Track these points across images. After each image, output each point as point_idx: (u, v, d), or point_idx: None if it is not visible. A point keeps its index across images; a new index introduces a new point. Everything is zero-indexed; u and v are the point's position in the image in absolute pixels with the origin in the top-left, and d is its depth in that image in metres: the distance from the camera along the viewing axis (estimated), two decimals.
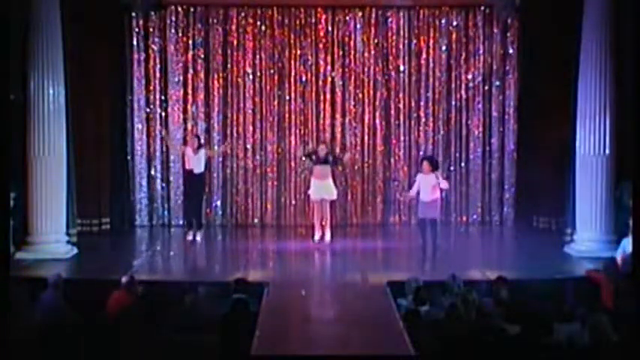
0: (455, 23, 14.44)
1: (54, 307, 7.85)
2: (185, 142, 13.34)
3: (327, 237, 12.43)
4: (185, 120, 14.36)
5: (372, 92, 14.50)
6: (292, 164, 14.50)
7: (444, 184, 11.97)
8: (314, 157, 12.55)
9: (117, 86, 14.00)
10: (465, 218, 14.67)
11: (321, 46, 14.39)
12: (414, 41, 14.43)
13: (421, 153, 14.40)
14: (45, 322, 7.22)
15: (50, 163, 11.41)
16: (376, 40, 14.42)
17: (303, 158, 13.07)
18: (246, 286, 8.50)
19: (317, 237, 12.51)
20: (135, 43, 14.17)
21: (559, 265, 10.94)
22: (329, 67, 14.42)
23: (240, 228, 14.31)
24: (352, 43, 14.41)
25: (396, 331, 7.62)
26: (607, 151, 11.39)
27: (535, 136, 13.88)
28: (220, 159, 14.38)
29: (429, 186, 11.69)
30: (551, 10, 13.07)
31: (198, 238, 12.43)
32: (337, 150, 14.25)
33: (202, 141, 13.07)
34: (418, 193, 11.83)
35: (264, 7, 14.29)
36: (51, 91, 11.34)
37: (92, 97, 13.37)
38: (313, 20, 14.37)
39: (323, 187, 12.43)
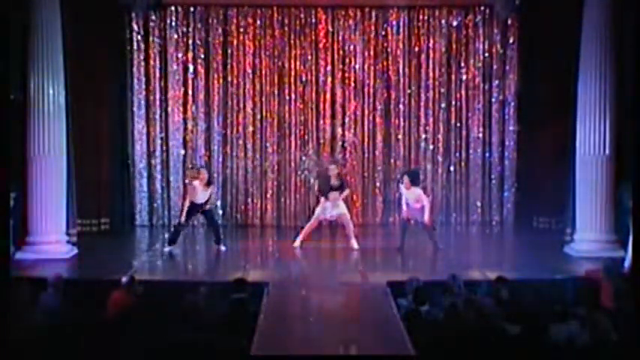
0: (455, 23, 14.45)
1: (54, 307, 7.84)
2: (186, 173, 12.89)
3: (355, 245, 12.33)
4: (185, 120, 14.38)
5: (372, 92, 14.52)
6: (292, 164, 14.52)
7: (427, 204, 11.87)
8: (326, 186, 12.31)
9: (117, 86, 14.00)
10: (465, 218, 14.68)
11: (321, 46, 14.40)
12: (414, 41, 14.44)
13: (421, 151, 14.50)
14: (45, 322, 7.22)
15: (50, 163, 11.41)
16: (376, 40, 14.43)
17: (316, 188, 12.87)
18: (246, 286, 8.49)
19: (298, 242, 12.39)
20: (135, 43, 14.18)
21: (559, 265, 10.93)
22: (329, 67, 14.43)
23: (240, 228, 14.32)
24: (352, 43, 14.42)
25: (396, 331, 7.62)
26: (607, 151, 11.39)
27: (535, 136, 13.88)
28: (220, 159, 14.41)
29: (412, 198, 11.84)
30: (551, 10, 13.07)
31: (223, 248, 12.19)
32: (337, 151, 14.31)
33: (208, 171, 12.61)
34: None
35: (264, 7, 14.30)
36: (51, 91, 11.33)
37: (92, 97, 13.38)
38: (313, 20, 14.38)
39: (333, 207, 12.31)
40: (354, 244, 12.21)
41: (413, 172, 12.81)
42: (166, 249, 12.07)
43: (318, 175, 12.94)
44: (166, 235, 12.80)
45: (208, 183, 12.12)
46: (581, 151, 11.57)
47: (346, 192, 12.51)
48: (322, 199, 12.32)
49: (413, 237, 12.33)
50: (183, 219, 12.03)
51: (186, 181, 13.28)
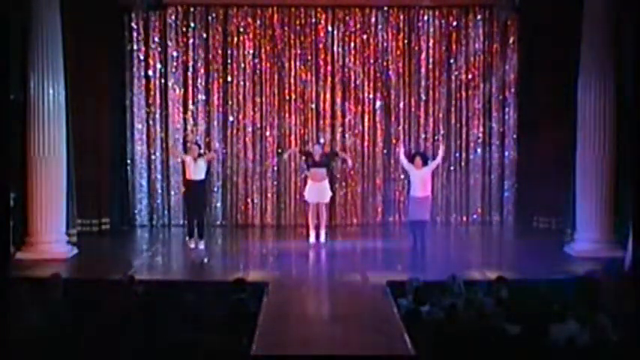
0: (455, 23, 14.45)
1: (54, 307, 7.84)
2: (185, 151, 12.99)
3: (322, 238, 12.37)
4: (185, 120, 14.38)
5: (372, 92, 14.52)
6: (292, 164, 14.51)
7: (438, 159, 12.03)
8: (309, 159, 12.45)
9: (117, 86, 14.00)
10: (465, 218, 14.68)
11: (321, 46, 14.40)
12: (414, 41, 14.44)
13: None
14: (45, 322, 7.21)
15: (50, 163, 11.40)
16: (376, 40, 14.43)
17: (303, 158, 12.96)
18: (246, 286, 8.49)
19: (312, 238, 12.43)
20: (135, 43, 14.18)
21: (559, 265, 10.94)
22: (329, 67, 14.43)
23: (240, 228, 14.32)
24: (352, 43, 14.42)
25: (396, 331, 7.62)
26: (607, 151, 11.39)
27: (535, 136, 13.88)
28: (220, 159, 14.41)
29: (420, 181, 11.75)
30: (551, 11, 13.07)
31: (202, 246, 12.19)
32: (337, 149, 14.33)
33: (202, 149, 12.73)
34: (409, 189, 11.94)
35: (264, 7, 14.30)
36: (51, 91, 11.33)
37: (92, 97, 13.37)
38: (313, 20, 14.38)
39: (318, 190, 12.37)
40: (323, 236, 12.21)
41: (421, 152, 12.90)
42: (191, 245, 12.08)
43: (302, 152, 12.95)
44: (166, 235, 12.82)
45: (200, 155, 12.10)
46: (581, 151, 11.57)
47: (328, 192, 12.45)
48: (308, 181, 12.32)
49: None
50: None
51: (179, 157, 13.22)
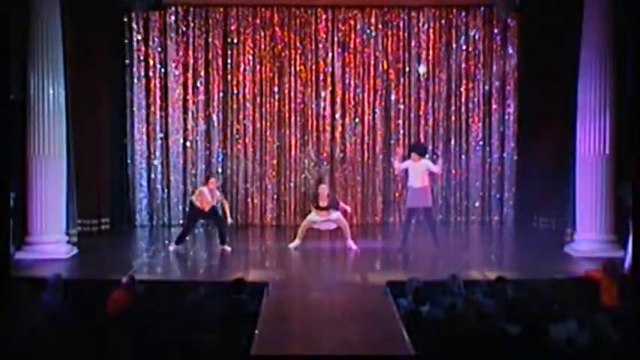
0: (455, 23, 14.45)
1: (54, 307, 7.85)
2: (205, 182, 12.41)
3: (353, 245, 12.23)
4: (185, 120, 14.38)
5: (372, 92, 14.52)
6: (292, 164, 14.52)
7: (437, 169, 11.96)
8: (316, 204, 12.17)
9: (117, 86, 14.01)
10: (464, 218, 14.67)
11: (321, 45, 14.41)
12: (415, 41, 14.45)
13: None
14: (45, 322, 7.22)
15: (50, 163, 11.40)
16: (376, 40, 14.43)
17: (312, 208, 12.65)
18: (246, 286, 8.49)
19: (294, 244, 12.29)
20: (135, 42, 14.18)
21: (559, 265, 10.93)
22: (329, 67, 14.43)
23: (240, 228, 14.31)
24: (352, 43, 14.43)
25: (396, 331, 7.62)
26: (607, 151, 11.39)
27: (535, 136, 13.88)
28: (220, 160, 14.42)
29: (418, 173, 11.76)
30: (551, 11, 13.08)
31: (228, 248, 12.09)
32: (337, 151, 14.34)
33: (220, 182, 12.52)
34: (407, 177, 11.90)
35: (264, 7, 14.31)
36: (51, 91, 11.33)
37: (92, 97, 13.38)
38: (313, 20, 14.39)
39: (325, 221, 12.25)
40: (352, 244, 12.18)
41: (417, 145, 12.78)
42: (171, 247, 12.04)
43: (314, 186, 12.78)
44: (166, 235, 12.80)
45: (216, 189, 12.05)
46: (581, 151, 11.57)
47: (335, 215, 12.20)
48: (314, 211, 12.24)
49: (413, 237, 12.34)
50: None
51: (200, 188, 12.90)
